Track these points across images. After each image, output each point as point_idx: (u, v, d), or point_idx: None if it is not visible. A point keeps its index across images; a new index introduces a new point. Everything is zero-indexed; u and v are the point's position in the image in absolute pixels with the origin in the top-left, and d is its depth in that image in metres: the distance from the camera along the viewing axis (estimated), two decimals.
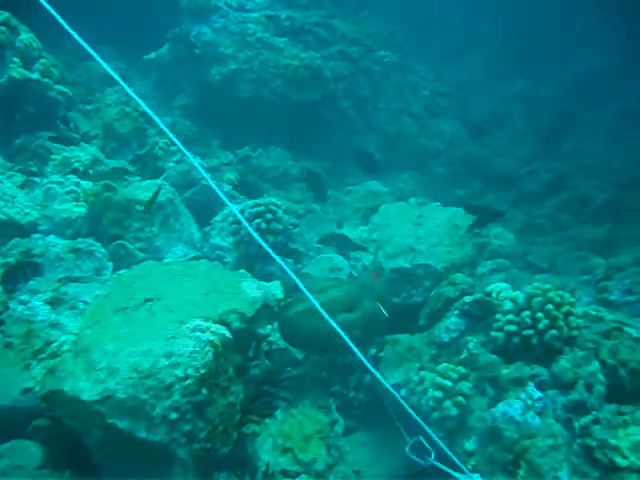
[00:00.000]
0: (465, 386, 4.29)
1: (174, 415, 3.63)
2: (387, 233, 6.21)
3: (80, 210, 5.84)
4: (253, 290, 4.52)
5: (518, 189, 9.97)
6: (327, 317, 3.74)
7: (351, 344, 3.66)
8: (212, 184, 4.03)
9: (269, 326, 4.68)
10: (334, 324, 3.71)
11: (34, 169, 6.45)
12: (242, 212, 5.88)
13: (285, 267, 3.84)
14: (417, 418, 3.73)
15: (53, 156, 6.61)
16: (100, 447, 3.80)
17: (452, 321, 4.75)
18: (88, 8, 7.36)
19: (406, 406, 3.76)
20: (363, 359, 3.66)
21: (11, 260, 4.97)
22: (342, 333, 3.69)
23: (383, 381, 3.77)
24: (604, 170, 10.06)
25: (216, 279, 4.59)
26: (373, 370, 3.74)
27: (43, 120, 7.15)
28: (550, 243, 8.38)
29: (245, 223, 4.08)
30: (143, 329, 4.00)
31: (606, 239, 8.34)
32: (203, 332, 3.95)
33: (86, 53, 3.32)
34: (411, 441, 3.78)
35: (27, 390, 4.09)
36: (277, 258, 3.86)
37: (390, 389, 3.82)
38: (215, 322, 4.08)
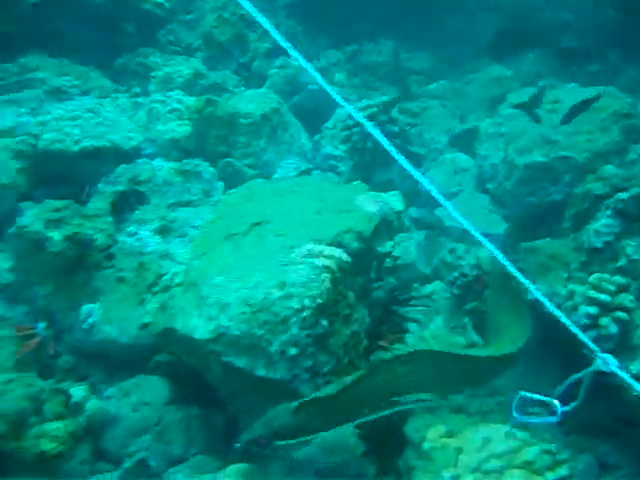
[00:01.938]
0: (626, 299, 3.68)
1: (293, 351, 3.33)
2: (518, 125, 5.49)
3: (184, 129, 5.55)
4: (369, 204, 4.08)
5: None
6: None
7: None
8: (322, 83, 3.47)
9: (390, 242, 4.22)
10: None
11: (137, 89, 6.23)
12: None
13: (409, 167, 3.30)
14: (578, 332, 3.15)
15: (154, 73, 6.35)
16: (222, 384, 3.61)
17: (604, 223, 4.07)
18: None
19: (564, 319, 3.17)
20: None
21: (120, 188, 4.79)
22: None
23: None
24: None
25: (327, 196, 4.18)
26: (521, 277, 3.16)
27: (142, 37, 6.88)
28: None
29: (362, 121, 3.54)
30: (252, 257, 3.69)
31: None
32: (317, 257, 3.58)
33: None
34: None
35: (145, 325, 3.94)
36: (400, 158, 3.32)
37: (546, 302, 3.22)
38: (329, 244, 3.69)
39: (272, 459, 3.25)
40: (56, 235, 4.02)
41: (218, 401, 3.74)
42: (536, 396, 3.06)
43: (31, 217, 4.15)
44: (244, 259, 3.68)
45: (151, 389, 3.87)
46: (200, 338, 3.36)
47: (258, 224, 3.93)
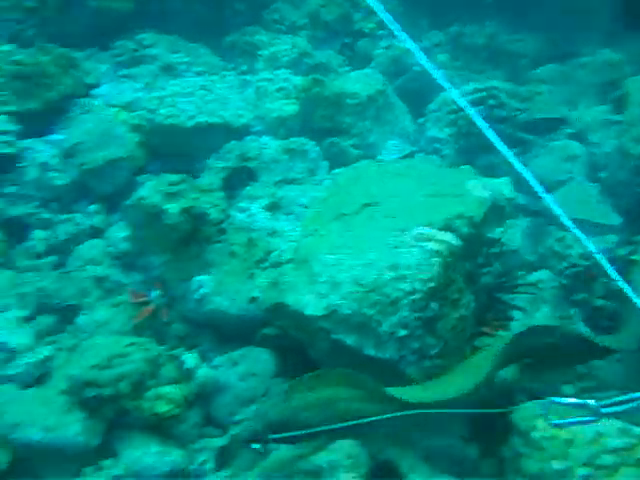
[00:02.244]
0: None
1: (402, 332, 3.37)
2: (634, 112, 5.28)
3: (291, 108, 5.63)
4: (479, 189, 4.04)
5: None
6: None
7: None
8: (429, 66, 3.47)
9: (499, 229, 4.18)
10: None
11: (244, 67, 6.36)
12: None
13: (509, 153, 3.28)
14: None
15: (260, 52, 6.46)
16: (327, 360, 3.68)
17: None
18: None
19: None
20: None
21: (230, 164, 4.93)
22: None
23: None
24: None
25: (436, 179, 4.17)
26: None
27: (249, 15, 7.00)
28: None
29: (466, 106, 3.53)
30: (363, 238, 3.73)
31: None
32: (428, 240, 3.59)
33: None
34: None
35: (253, 299, 4.06)
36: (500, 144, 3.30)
37: None
38: (440, 229, 3.68)
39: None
40: (173, 208, 4.17)
41: None
42: (569, 400, 3.07)
43: (149, 189, 4.32)
44: (355, 239, 3.73)
45: (258, 360, 3.99)
46: (311, 314, 3.44)
47: (368, 205, 3.97)
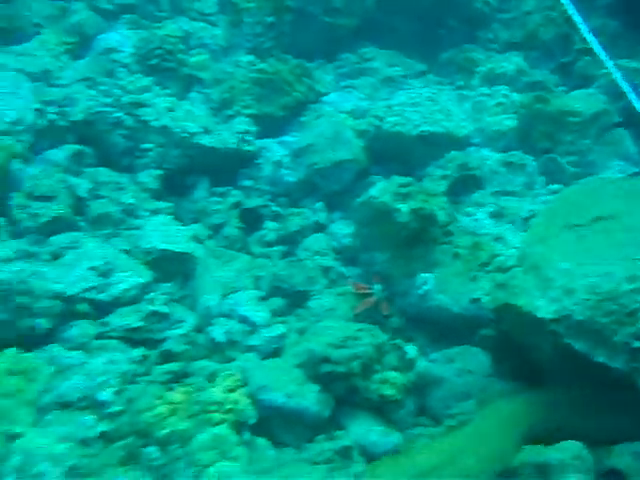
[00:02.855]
0: None
1: (637, 344, 3.36)
2: None
3: (510, 123, 5.75)
4: None
5: None
6: None
7: None
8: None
9: None
10: None
11: (461, 82, 6.56)
12: None
13: None
14: None
15: (477, 68, 6.62)
16: (550, 364, 3.75)
17: None
18: None
19: None
20: None
21: (451, 173, 5.15)
22: None
23: None
24: None
25: None
26: None
27: (465, 33, 7.19)
28: None
29: None
30: (597, 248, 3.76)
31: None
32: None
33: None
34: None
35: (475, 300, 4.22)
36: None
37: None
38: None
39: None
40: (404, 207, 4.43)
41: (538, 382, 3.90)
42: None
43: (380, 189, 4.62)
44: (588, 249, 3.77)
45: (474, 359, 4.14)
46: (543, 317, 3.52)
47: (601, 218, 3.97)
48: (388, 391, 3.86)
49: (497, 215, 4.68)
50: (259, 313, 4.39)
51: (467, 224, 4.62)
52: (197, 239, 4.97)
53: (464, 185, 5.07)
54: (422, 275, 4.42)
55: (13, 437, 3.04)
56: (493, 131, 5.72)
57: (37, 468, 2.80)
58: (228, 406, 3.44)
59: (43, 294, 4.01)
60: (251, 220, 5.38)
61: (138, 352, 3.97)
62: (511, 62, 6.71)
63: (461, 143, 5.56)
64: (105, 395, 3.45)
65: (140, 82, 5.82)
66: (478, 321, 4.26)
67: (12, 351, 3.56)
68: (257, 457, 3.48)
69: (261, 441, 3.62)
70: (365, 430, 3.76)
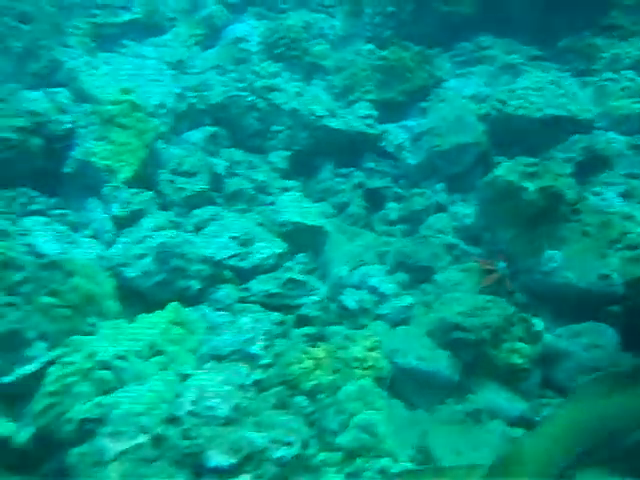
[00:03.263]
0: None
1: None
2: None
3: (637, 106, 5.70)
4: None
5: None
6: None
7: None
8: None
9: None
10: None
11: (582, 68, 6.52)
12: None
13: None
14: None
15: (600, 54, 6.56)
16: None
17: None
18: None
19: None
20: None
21: (574, 155, 5.18)
22: None
23: None
24: None
25: None
26: None
27: (583, 20, 7.13)
28: None
29: None
30: None
31: None
32: None
33: None
34: None
35: (604, 276, 4.26)
36: None
37: None
38: None
39: None
40: (531, 186, 4.52)
41: None
42: None
43: (505, 169, 4.72)
44: None
45: (603, 335, 4.18)
46: None
47: None
48: (518, 360, 3.99)
49: (627, 195, 4.69)
50: (388, 284, 4.59)
51: (596, 203, 4.65)
52: (325, 215, 5.24)
53: (591, 166, 5.09)
54: (548, 252, 4.49)
55: (185, 377, 3.39)
56: (619, 115, 5.69)
57: (209, 402, 3.12)
58: (369, 363, 3.67)
59: (195, 258, 4.37)
60: (374, 200, 5.60)
61: (277, 316, 4.26)
62: (636, 47, 6.61)
63: (585, 126, 5.57)
64: (255, 349, 3.75)
65: (271, 68, 6.17)
66: (606, 298, 4.30)
67: (174, 305, 3.93)
68: (393, 415, 3.69)
69: (395, 402, 3.84)
70: (494, 396, 3.90)
